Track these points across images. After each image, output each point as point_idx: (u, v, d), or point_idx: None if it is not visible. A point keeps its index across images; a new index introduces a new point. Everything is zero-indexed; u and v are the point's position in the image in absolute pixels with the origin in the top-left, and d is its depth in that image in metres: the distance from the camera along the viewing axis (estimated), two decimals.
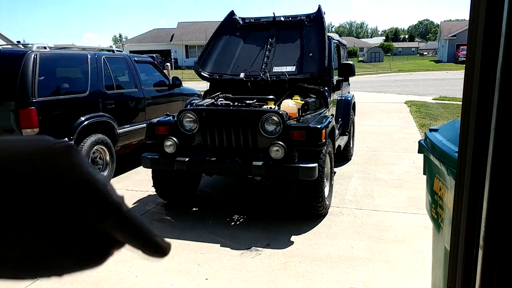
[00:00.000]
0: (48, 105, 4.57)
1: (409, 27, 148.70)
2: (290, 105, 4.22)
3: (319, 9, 5.22)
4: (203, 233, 3.82)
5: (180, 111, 4.09)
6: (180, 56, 45.22)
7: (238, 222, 4.09)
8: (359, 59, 60.12)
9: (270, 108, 4.13)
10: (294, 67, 4.85)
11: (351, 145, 6.41)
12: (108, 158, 5.36)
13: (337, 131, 5.01)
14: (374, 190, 4.93)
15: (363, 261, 3.25)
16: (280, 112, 3.80)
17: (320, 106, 4.78)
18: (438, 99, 14.00)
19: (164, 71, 7.39)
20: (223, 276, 3.07)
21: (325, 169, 3.90)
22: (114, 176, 5.58)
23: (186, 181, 4.58)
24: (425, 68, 36.16)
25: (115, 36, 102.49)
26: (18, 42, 7.15)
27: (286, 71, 4.80)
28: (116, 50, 6.39)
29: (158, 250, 0.37)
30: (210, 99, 4.70)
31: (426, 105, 12.36)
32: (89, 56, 5.37)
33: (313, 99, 4.64)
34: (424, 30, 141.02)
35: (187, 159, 3.86)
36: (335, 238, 3.67)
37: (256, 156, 3.80)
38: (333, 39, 5.52)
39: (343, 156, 6.09)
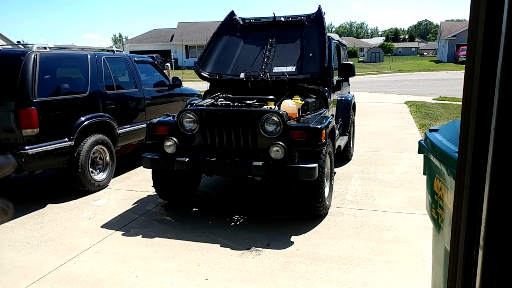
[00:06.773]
0: (48, 105, 4.57)
1: (409, 27, 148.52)
2: (290, 105, 4.22)
3: (319, 9, 5.22)
4: (203, 233, 3.82)
5: (180, 111, 4.09)
6: (180, 56, 45.23)
7: (238, 222, 4.09)
8: (359, 59, 60.06)
9: (270, 108, 4.13)
10: (294, 67, 4.85)
11: (351, 145, 6.41)
12: (108, 158, 5.37)
13: (337, 131, 5.01)
14: (374, 190, 4.93)
15: (363, 261, 3.25)
16: (280, 112, 3.80)
17: (320, 106, 4.77)
18: (438, 99, 13.99)
19: (164, 71, 7.38)
20: (223, 276, 3.07)
21: (325, 169, 3.89)
22: (114, 176, 5.58)
23: (186, 181, 4.58)
24: (425, 68, 36.14)
25: (115, 36, 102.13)
26: (18, 42, 7.14)
27: (286, 71, 4.80)
28: (116, 50, 6.38)
29: None
30: (210, 99, 4.70)
31: (426, 105, 12.35)
32: (89, 56, 5.37)
33: (313, 99, 4.63)
34: (424, 31, 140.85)
35: (187, 159, 3.86)
36: (335, 238, 3.67)
37: (256, 156, 3.80)
38: (333, 39, 5.52)
39: (343, 156, 6.09)
